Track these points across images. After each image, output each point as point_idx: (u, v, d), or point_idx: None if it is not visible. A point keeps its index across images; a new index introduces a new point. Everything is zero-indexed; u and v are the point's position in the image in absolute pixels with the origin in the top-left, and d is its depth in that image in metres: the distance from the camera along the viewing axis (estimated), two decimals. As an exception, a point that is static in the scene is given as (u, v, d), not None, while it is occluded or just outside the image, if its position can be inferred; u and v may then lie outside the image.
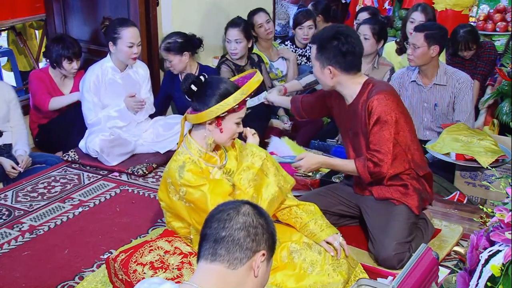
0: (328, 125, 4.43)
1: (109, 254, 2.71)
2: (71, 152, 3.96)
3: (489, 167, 3.15)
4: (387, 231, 2.75)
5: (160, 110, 4.36)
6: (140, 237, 2.98)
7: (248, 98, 2.35)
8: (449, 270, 2.63)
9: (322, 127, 4.44)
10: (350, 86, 2.79)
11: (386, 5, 6.40)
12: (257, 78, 2.34)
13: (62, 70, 4.15)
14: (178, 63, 4.14)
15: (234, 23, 4.41)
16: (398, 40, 4.79)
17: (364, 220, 2.92)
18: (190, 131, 2.45)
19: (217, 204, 2.21)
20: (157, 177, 3.77)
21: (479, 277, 1.65)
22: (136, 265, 2.32)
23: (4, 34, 5.94)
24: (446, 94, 3.79)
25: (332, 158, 3.06)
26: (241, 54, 4.39)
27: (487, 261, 1.65)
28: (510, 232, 1.63)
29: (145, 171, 3.79)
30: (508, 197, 1.77)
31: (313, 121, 4.30)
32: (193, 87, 2.32)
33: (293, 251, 2.44)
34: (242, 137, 2.56)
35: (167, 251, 2.38)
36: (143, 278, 2.23)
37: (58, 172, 3.82)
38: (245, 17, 4.66)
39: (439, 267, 2.49)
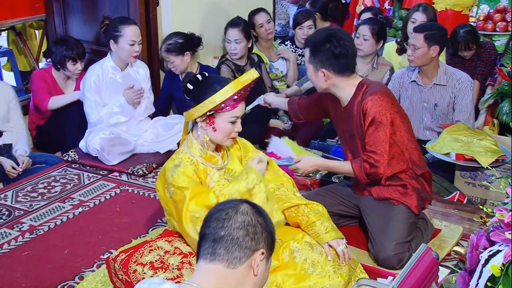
0: (328, 125, 4.42)
1: (109, 254, 2.71)
2: (71, 152, 3.96)
3: (489, 167, 3.14)
4: (387, 231, 2.75)
5: (163, 110, 4.36)
6: (140, 237, 2.98)
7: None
8: (449, 270, 2.63)
9: (322, 127, 4.44)
10: (344, 88, 2.79)
11: (386, 5, 6.39)
12: (245, 78, 2.33)
13: (66, 71, 4.14)
14: (180, 63, 4.14)
15: (234, 23, 4.41)
16: (398, 40, 4.79)
17: (364, 220, 2.92)
18: (192, 130, 2.46)
19: (194, 211, 2.25)
20: (157, 177, 3.75)
21: (479, 277, 1.65)
22: (136, 265, 2.32)
23: (4, 34, 5.94)
24: (446, 94, 3.79)
25: (329, 160, 3.07)
26: (241, 54, 4.39)
27: (487, 261, 1.65)
28: (510, 232, 1.63)
29: (145, 171, 3.79)
30: (508, 197, 1.77)
31: (313, 121, 4.30)
32: (189, 86, 2.34)
33: (295, 250, 2.44)
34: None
35: (167, 251, 2.38)
36: (143, 278, 2.24)
37: (58, 172, 3.82)
38: (245, 17, 4.66)
39: (439, 267, 2.50)
